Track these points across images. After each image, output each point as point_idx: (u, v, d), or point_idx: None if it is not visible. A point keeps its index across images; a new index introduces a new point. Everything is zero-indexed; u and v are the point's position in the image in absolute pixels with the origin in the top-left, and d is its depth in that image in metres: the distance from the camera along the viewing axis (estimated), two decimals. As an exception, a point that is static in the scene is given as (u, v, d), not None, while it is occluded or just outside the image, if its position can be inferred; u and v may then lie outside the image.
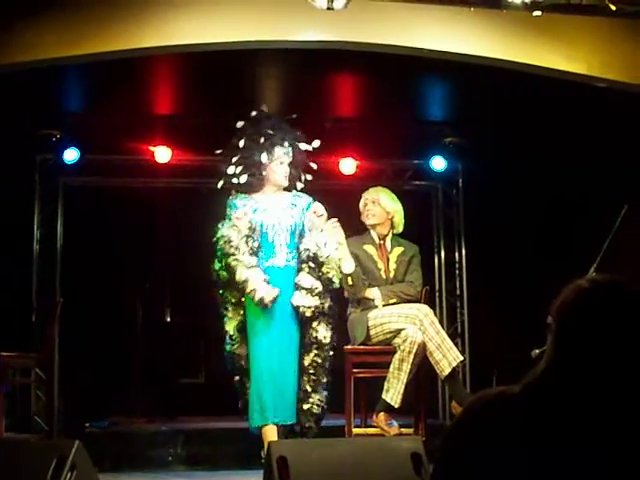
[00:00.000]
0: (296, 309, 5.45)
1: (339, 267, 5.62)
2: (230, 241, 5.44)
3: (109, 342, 7.64)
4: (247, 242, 5.45)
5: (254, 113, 5.77)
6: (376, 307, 5.91)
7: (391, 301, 5.94)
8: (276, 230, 5.55)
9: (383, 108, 7.71)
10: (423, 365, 5.71)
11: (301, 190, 5.82)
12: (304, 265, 5.52)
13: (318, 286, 5.50)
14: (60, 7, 5.72)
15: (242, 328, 5.53)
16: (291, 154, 5.69)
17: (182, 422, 7.27)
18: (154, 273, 8.05)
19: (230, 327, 5.55)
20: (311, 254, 5.51)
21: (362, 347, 5.86)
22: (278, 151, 5.64)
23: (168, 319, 7.90)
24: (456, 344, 7.20)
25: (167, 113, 8.05)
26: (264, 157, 5.60)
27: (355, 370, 5.88)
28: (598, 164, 6.99)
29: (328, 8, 5.36)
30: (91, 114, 7.69)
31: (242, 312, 5.53)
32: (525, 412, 1.67)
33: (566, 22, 6.04)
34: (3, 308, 6.87)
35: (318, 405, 5.51)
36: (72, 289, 7.65)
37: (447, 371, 5.65)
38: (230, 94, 6.88)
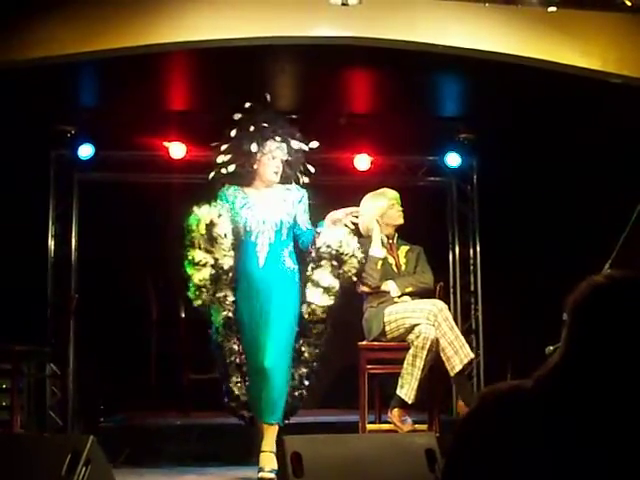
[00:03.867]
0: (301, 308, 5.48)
1: (359, 262, 5.61)
2: (191, 231, 5.41)
3: (124, 337, 7.64)
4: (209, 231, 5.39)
5: (248, 104, 5.68)
6: (393, 301, 5.92)
7: (407, 290, 5.96)
8: (260, 229, 5.47)
9: (398, 104, 7.69)
10: (437, 361, 5.71)
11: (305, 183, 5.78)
12: (324, 262, 5.49)
13: (335, 285, 5.50)
14: (75, 3, 5.74)
15: (227, 324, 5.49)
16: (285, 150, 5.59)
17: (196, 417, 7.28)
18: (169, 268, 8.05)
19: (216, 319, 5.50)
20: (333, 251, 5.48)
21: (376, 343, 5.87)
22: (270, 144, 5.54)
23: (183, 314, 7.89)
24: (470, 340, 7.22)
25: (181, 109, 8.05)
26: (253, 147, 5.51)
27: (369, 366, 5.88)
28: (613, 160, 6.96)
29: (343, 4, 5.37)
30: (106, 110, 7.70)
31: (228, 307, 5.49)
32: (537, 407, 1.67)
33: (581, 18, 6.02)
34: (18, 303, 6.89)
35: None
36: (87, 284, 7.67)
37: (458, 368, 5.67)
38: (244, 90, 6.87)
